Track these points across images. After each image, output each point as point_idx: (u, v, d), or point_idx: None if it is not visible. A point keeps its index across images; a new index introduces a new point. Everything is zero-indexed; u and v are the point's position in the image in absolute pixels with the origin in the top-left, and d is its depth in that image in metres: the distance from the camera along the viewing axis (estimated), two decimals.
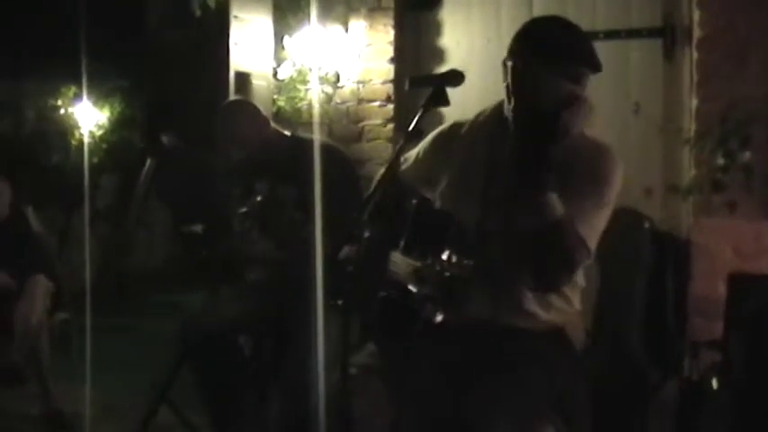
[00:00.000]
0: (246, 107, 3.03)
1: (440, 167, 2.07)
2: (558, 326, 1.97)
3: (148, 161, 4.06)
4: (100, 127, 5.83)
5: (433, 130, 2.18)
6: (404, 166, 2.19)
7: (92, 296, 3.85)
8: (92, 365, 3.49)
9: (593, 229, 1.82)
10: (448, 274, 1.65)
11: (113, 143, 5.90)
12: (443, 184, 2.04)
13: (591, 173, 1.83)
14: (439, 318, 1.78)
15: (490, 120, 2.03)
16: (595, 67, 1.92)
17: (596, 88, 3.60)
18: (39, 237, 3.94)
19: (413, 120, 1.80)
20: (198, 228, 3.98)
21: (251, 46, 4.09)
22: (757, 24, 3.25)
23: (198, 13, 3.97)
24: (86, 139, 5.67)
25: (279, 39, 4.22)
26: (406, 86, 1.99)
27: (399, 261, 1.83)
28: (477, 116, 2.08)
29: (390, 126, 3.76)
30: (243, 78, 3.99)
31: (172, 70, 5.62)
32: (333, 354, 1.81)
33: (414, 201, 1.99)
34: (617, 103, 3.64)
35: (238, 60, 4.02)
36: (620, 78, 3.67)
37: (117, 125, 5.90)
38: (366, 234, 1.99)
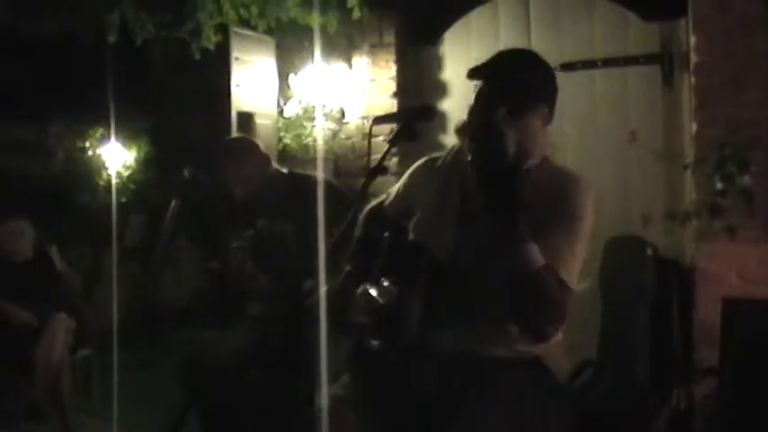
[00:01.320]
0: (246, 144, 3.06)
1: (416, 200, 2.10)
2: (535, 356, 1.95)
3: (173, 201, 4.17)
4: (127, 167, 5.98)
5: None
6: (387, 201, 2.23)
7: (119, 333, 3.91)
8: (115, 402, 3.54)
9: (569, 267, 1.77)
10: (380, 301, 1.67)
11: (141, 183, 6.03)
12: (418, 216, 2.07)
13: (560, 207, 1.79)
14: (375, 345, 1.79)
15: (462, 153, 2.06)
16: (554, 92, 1.93)
17: (596, 115, 3.66)
18: (62, 275, 4.06)
19: (382, 156, 1.85)
20: (218, 264, 4.07)
21: (254, 86, 4.19)
22: (754, 49, 3.25)
23: (197, 56, 4.08)
24: (114, 180, 5.82)
25: (284, 77, 4.33)
26: (371, 124, 2.01)
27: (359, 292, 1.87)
28: (451, 149, 2.12)
29: (395, 160, 3.81)
30: (246, 118, 4.08)
31: (176, 113, 5.75)
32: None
33: (386, 234, 2.02)
34: (617, 130, 3.66)
35: (241, 101, 4.11)
36: (619, 105, 3.70)
37: (144, 165, 6.04)
38: (347, 268, 2.05)
